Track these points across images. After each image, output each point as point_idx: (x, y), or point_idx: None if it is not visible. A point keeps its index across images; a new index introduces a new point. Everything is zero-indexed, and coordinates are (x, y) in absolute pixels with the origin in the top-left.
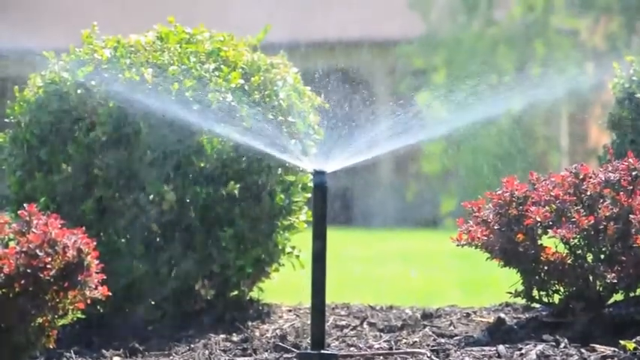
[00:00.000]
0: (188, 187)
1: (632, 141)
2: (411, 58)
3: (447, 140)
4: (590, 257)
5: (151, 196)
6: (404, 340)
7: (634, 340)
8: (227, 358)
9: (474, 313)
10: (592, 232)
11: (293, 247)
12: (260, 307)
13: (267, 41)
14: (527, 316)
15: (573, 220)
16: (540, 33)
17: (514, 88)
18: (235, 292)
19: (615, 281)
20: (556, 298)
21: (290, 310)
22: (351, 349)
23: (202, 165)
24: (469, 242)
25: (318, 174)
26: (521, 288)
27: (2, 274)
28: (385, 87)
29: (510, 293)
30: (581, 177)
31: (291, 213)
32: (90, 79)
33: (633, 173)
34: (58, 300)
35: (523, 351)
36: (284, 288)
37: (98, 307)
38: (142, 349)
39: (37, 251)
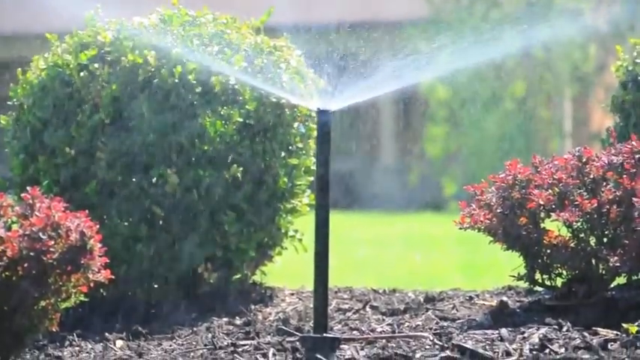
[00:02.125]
0: (191, 170)
1: (635, 124)
2: (415, 40)
3: (450, 123)
4: (592, 240)
5: (154, 179)
6: (407, 324)
7: (637, 324)
8: (230, 341)
9: (477, 296)
10: (595, 216)
11: (296, 231)
12: (263, 291)
13: (271, 24)
14: (529, 299)
15: (576, 203)
16: (544, 14)
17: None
18: (238, 276)
19: (618, 265)
20: (559, 281)
21: (293, 294)
22: (354, 332)
23: (205, 148)
24: (472, 226)
25: (322, 113)
26: (523, 271)
27: (5, 258)
28: (388, 68)
29: (513, 277)
30: (584, 160)
31: (294, 196)
32: (93, 61)
33: (636, 156)
34: (61, 283)
35: (526, 334)
36: (287, 271)
37: (101, 290)
38: (144, 332)
39: (40, 234)
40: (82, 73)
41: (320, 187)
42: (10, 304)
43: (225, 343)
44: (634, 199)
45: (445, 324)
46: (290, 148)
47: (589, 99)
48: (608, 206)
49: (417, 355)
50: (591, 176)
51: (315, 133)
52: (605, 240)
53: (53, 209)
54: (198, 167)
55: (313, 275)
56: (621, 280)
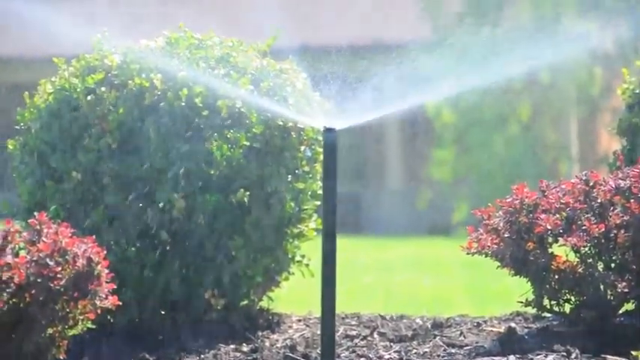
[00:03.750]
0: (198, 194)
1: None
2: (419, 61)
3: (457, 146)
4: (600, 266)
5: (161, 204)
6: (414, 351)
7: None
8: None
9: (485, 322)
10: (603, 240)
11: (303, 256)
12: (270, 317)
13: (277, 46)
14: (538, 325)
15: (584, 228)
16: (550, 36)
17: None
18: (245, 302)
19: (626, 290)
20: (567, 307)
21: (300, 320)
22: (362, 359)
23: (212, 172)
24: (479, 250)
25: (329, 131)
26: (531, 297)
27: (13, 284)
28: (395, 90)
29: (521, 302)
30: (591, 184)
31: (300, 221)
32: (100, 85)
33: None
34: (68, 310)
35: None
36: (294, 297)
37: (108, 316)
38: (152, 359)
39: (48, 260)
40: (88, 97)
41: (327, 208)
42: (18, 331)
43: None
44: None
45: (453, 350)
46: (297, 172)
47: (596, 122)
48: (615, 231)
49: None
50: (599, 200)
51: (321, 157)
52: (613, 265)
53: (60, 235)
54: (205, 191)
55: (320, 301)
56: (630, 306)
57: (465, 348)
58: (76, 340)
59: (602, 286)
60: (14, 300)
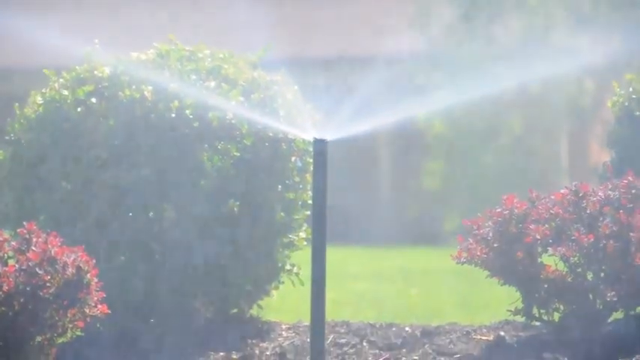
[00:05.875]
0: (188, 204)
1: (631, 159)
2: (411, 75)
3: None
4: (590, 275)
5: (151, 214)
6: (403, 358)
7: (633, 358)
8: None
9: (474, 331)
10: (592, 251)
11: (293, 265)
12: (260, 325)
13: (268, 58)
14: (527, 334)
15: (573, 238)
16: (541, 50)
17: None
18: (235, 310)
19: (615, 299)
20: (556, 316)
21: (289, 328)
22: None
23: (202, 183)
24: (469, 260)
25: (319, 142)
26: (521, 306)
27: (1, 293)
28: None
29: (510, 311)
30: (580, 195)
31: (291, 230)
32: (90, 96)
33: (633, 191)
34: (57, 318)
35: None
36: (284, 305)
37: (98, 324)
38: None
39: (37, 269)
40: (79, 109)
41: (317, 216)
42: (6, 340)
43: None
44: (631, 234)
45: (442, 359)
46: (287, 182)
47: (586, 134)
48: (605, 241)
49: None
50: (588, 211)
51: (312, 167)
52: (602, 275)
53: (49, 244)
54: (195, 202)
55: (310, 309)
56: (618, 315)
57: (455, 356)
58: (64, 348)
59: (591, 295)
60: (3, 308)
